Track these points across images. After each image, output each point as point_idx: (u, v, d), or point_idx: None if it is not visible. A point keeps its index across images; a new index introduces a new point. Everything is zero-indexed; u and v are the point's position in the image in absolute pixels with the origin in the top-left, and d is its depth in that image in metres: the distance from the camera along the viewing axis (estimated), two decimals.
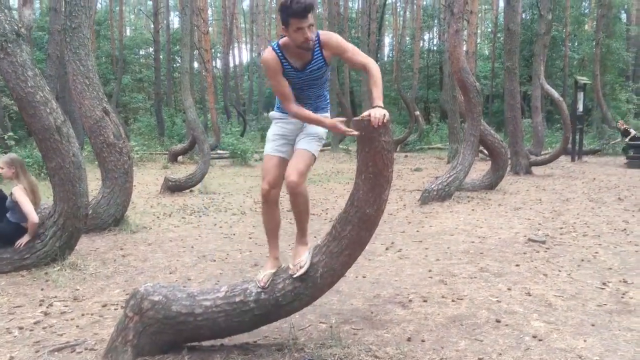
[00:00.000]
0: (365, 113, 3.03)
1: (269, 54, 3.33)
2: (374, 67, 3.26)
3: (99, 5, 34.45)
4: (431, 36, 45.29)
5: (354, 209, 3.16)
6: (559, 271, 4.78)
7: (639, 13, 30.72)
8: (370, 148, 3.00)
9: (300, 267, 3.33)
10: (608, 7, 21.96)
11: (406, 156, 18.81)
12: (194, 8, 16.01)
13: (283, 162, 3.58)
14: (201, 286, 4.50)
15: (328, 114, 3.65)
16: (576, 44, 30.22)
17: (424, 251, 5.55)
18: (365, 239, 3.25)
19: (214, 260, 5.40)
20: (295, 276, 3.30)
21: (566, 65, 27.15)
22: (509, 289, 4.28)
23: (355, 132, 2.96)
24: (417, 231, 6.57)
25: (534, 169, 12.63)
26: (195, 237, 6.47)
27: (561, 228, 6.54)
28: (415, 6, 36.41)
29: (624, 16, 31.59)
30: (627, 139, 14.73)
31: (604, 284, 4.41)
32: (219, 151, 18.02)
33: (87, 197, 5.12)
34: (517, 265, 4.94)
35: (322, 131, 3.56)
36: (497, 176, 9.52)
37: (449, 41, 8.22)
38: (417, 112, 22.37)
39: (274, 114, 3.70)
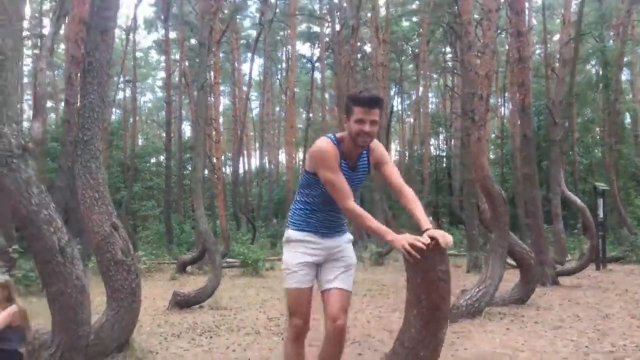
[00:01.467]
0: (426, 236, 2.63)
1: (328, 144, 3.05)
2: (410, 190, 3.11)
3: (112, 117, 35.34)
4: (438, 142, 46.01)
5: (405, 351, 2.65)
6: None
7: None
8: (424, 278, 2.56)
9: None
10: (618, 114, 22.18)
11: None
12: (206, 118, 16.17)
13: (311, 293, 3.32)
14: None
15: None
16: (581, 149, 30.37)
17: None
18: None
19: None
20: None
21: (576, 171, 27.11)
22: None
23: (417, 256, 2.54)
24: (452, 355, 5.93)
25: (560, 279, 12.01)
26: None
27: (612, 352, 5.89)
28: (422, 113, 37.18)
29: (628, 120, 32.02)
30: None
31: None
32: (228, 259, 17.50)
33: (90, 325, 4.61)
34: None
35: (355, 260, 3.39)
36: (527, 289, 8.92)
37: (471, 149, 7.99)
38: (430, 219, 21.93)
39: (293, 234, 3.29)
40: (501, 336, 6.78)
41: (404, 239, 2.61)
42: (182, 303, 9.30)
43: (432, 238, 2.56)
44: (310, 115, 42.30)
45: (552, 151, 15.63)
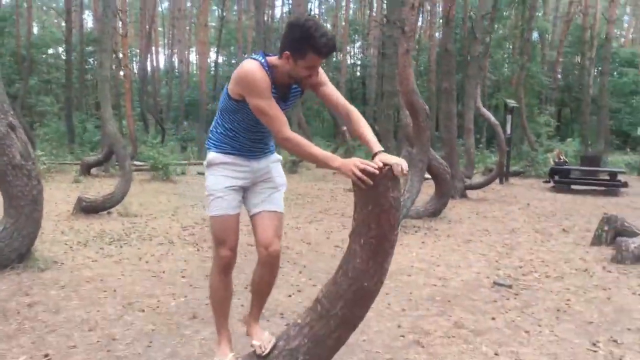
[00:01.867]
0: (377, 160, 2.38)
1: (259, 70, 2.59)
2: (356, 110, 2.78)
3: (4, 0, 31.87)
4: (353, 50, 45.57)
5: (349, 281, 2.48)
6: (539, 326, 4.31)
7: (553, 36, 32.13)
8: (375, 205, 2.34)
9: (269, 343, 2.78)
10: (531, 32, 22.65)
11: (334, 173, 18.32)
12: (113, 9, 14.81)
13: (238, 220, 3.04)
14: (129, 349, 3.68)
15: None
16: (491, 65, 31.11)
17: (385, 297, 4.94)
18: (359, 318, 2.59)
19: (143, 310, 4.53)
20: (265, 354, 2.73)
21: (485, 86, 27.83)
22: (496, 354, 3.74)
23: (369, 182, 2.30)
24: None
25: (468, 192, 12.46)
26: (117, 276, 5.54)
27: (521, 267, 6.16)
28: (343, 19, 36.33)
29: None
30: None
31: (593, 344, 3.97)
32: (135, 162, 16.80)
33: None
34: (493, 319, 4.43)
35: (285, 179, 3.16)
36: (441, 203, 9.15)
37: (399, 61, 7.74)
38: (345, 128, 21.99)
39: (216, 157, 2.92)
40: (417, 250, 6.92)
41: (353, 164, 2.35)
42: (89, 209, 8.78)
43: (385, 164, 2.32)
44: (225, 13, 40.32)
45: (469, 66, 15.78)
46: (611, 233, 7.09)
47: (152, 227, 8.14)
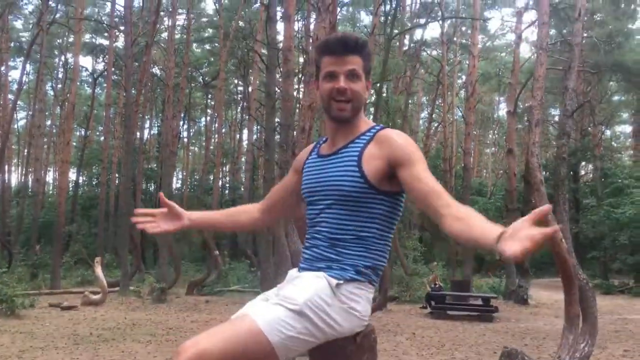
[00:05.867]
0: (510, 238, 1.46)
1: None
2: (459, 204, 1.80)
3: None
4: (223, 173, 45.56)
5: None
6: None
7: None
8: None
9: None
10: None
11: (207, 301, 17.10)
12: None
13: None
14: None
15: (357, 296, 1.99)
16: None
17: None
18: None
19: None
20: None
21: None
22: None
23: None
24: None
25: None
26: None
27: None
28: (215, 143, 36.37)
29: None
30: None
31: None
32: None
33: None
34: None
35: (309, 295, 1.84)
36: None
37: None
38: (217, 252, 21.11)
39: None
40: None
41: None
42: None
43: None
44: (88, 132, 38.96)
45: None
46: None
47: None
